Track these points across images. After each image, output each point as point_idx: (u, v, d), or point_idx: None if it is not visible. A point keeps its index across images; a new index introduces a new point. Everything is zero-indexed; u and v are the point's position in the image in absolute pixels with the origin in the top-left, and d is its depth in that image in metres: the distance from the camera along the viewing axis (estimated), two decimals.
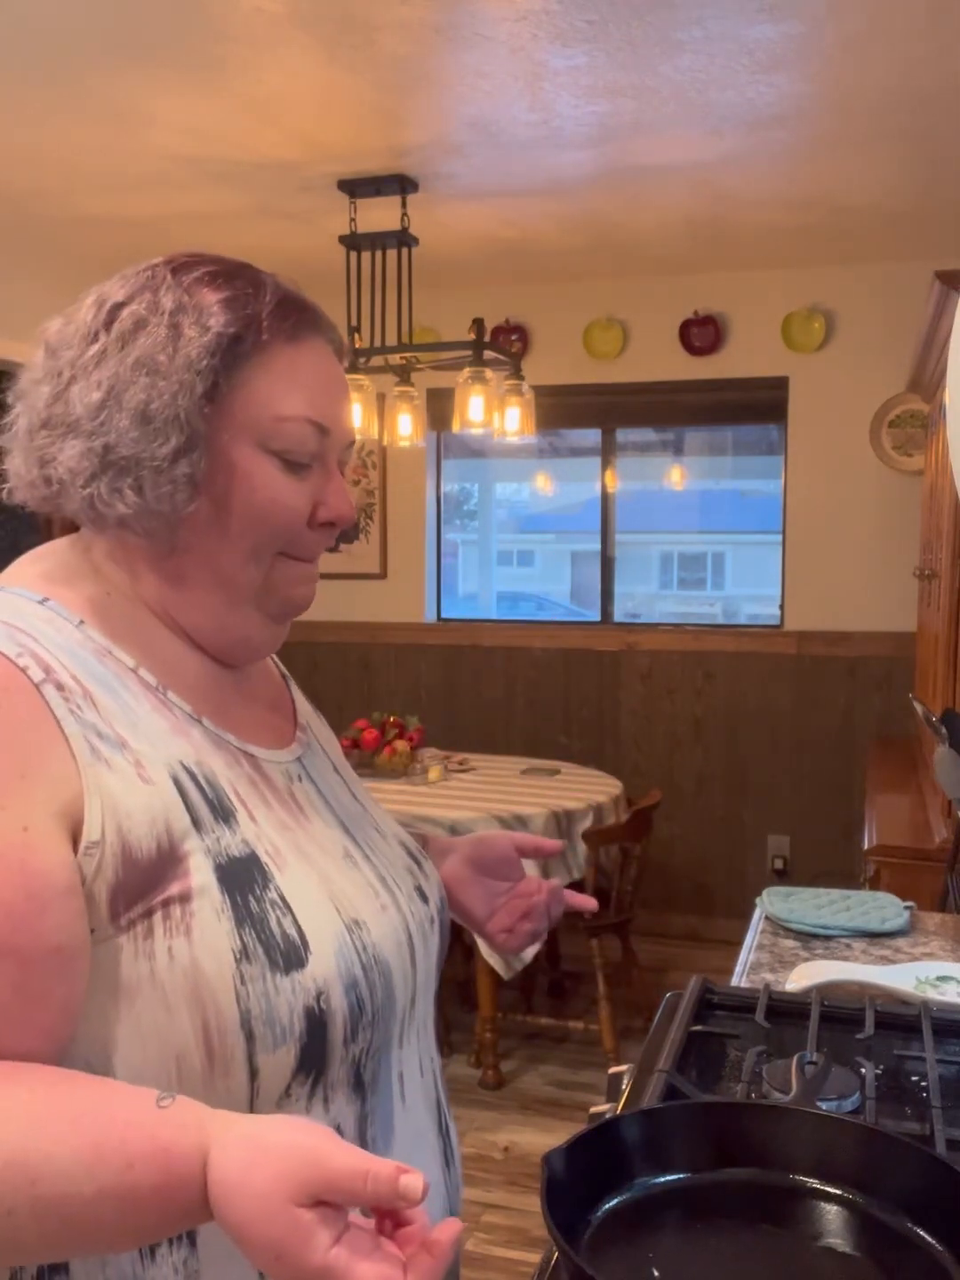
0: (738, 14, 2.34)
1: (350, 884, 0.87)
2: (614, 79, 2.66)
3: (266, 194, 3.51)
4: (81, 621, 0.83)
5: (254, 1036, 0.76)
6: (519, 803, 3.50)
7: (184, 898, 0.77)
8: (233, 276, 0.86)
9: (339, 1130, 0.82)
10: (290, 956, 0.78)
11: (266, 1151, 0.64)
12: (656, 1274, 0.76)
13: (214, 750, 0.85)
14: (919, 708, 2.26)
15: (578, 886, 3.50)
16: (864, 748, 4.27)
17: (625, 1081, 1.16)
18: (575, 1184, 0.80)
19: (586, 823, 3.49)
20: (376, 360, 3.53)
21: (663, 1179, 0.86)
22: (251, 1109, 0.78)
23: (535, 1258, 0.95)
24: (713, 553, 6.15)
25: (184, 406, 0.81)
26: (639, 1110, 0.95)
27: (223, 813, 0.81)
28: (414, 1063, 0.93)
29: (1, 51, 2.54)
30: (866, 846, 2.88)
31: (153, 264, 0.86)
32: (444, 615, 5.11)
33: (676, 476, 5.03)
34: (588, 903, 1.10)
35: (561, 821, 3.46)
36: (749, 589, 5.43)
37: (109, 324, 0.83)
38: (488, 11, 2.34)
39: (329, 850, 0.88)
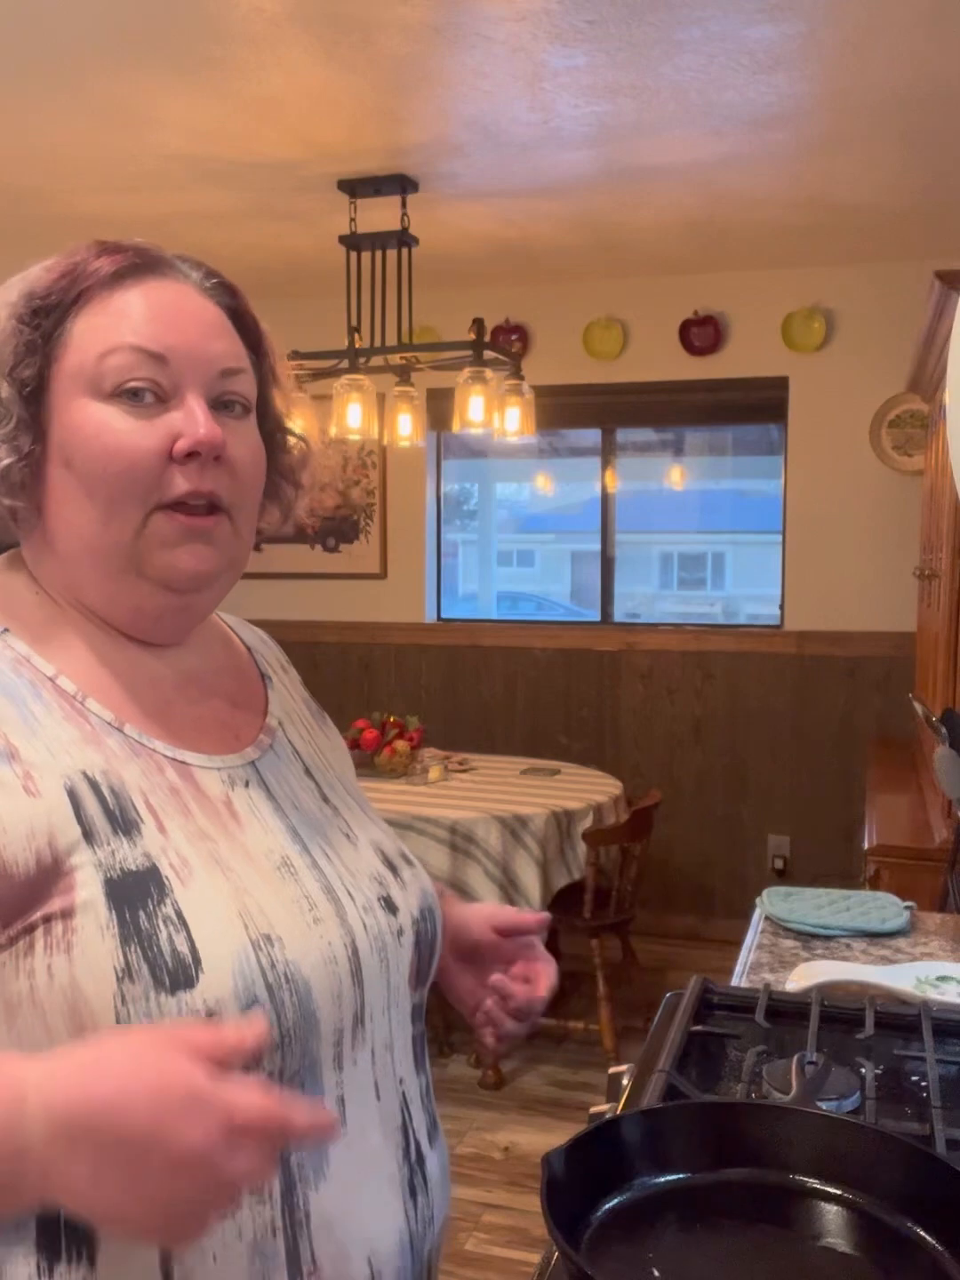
0: (738, 14, 2.34)
1: (274, 897, 0.82)
2: (614, 79, 2.66)
3: (266, 194, 3.51)
4: (5, 629, 0.83)
5: None
6: (519, 803, 3.50)
7: (66, 913, 0.74)
8: (67, 250, 0.86)
9: None
10: (177, 975, 0.74)
11: (131, 1033, 0.67)
12: (656, 1274, 0.76)
13: (130, 759, 0.82)
14: (919, 708, 2.26)
15: (578, 887, 3.50)
16: (864, 748, 4.27)
17: (625, 1081, 1.16)
18: (575, 1184, 0.80)
19: (586, 823, 3.49)
20: (376, 360, 3.53)
21: (663, 1179, 0.86)
22: None
23: (535, 1258, 0.94)
24: (713, 553, 6.14)
25: None
26: (639, 1110, 0.95)
27: (124, 824, 0.78)
28: (365, 1085, 0.86)
29: (1, 51, 2.54)
30: (866, 846, 2.88)
31: None
32: (444, 615, 5.11)
33: (676, 476, 5.03)
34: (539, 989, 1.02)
35: (561, 821, 3.46)
36: (749, 589, 5.42)
37: None
38: (488, 11, 2.34)
39: (258, 861, 0.83)
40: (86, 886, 0.75)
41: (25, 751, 0.77)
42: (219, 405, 0.84)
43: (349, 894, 0.87)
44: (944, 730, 1.85)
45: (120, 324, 0.82)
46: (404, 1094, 0.91)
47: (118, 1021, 0.73)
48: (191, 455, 0.81)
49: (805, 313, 4.33)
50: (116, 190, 3.48)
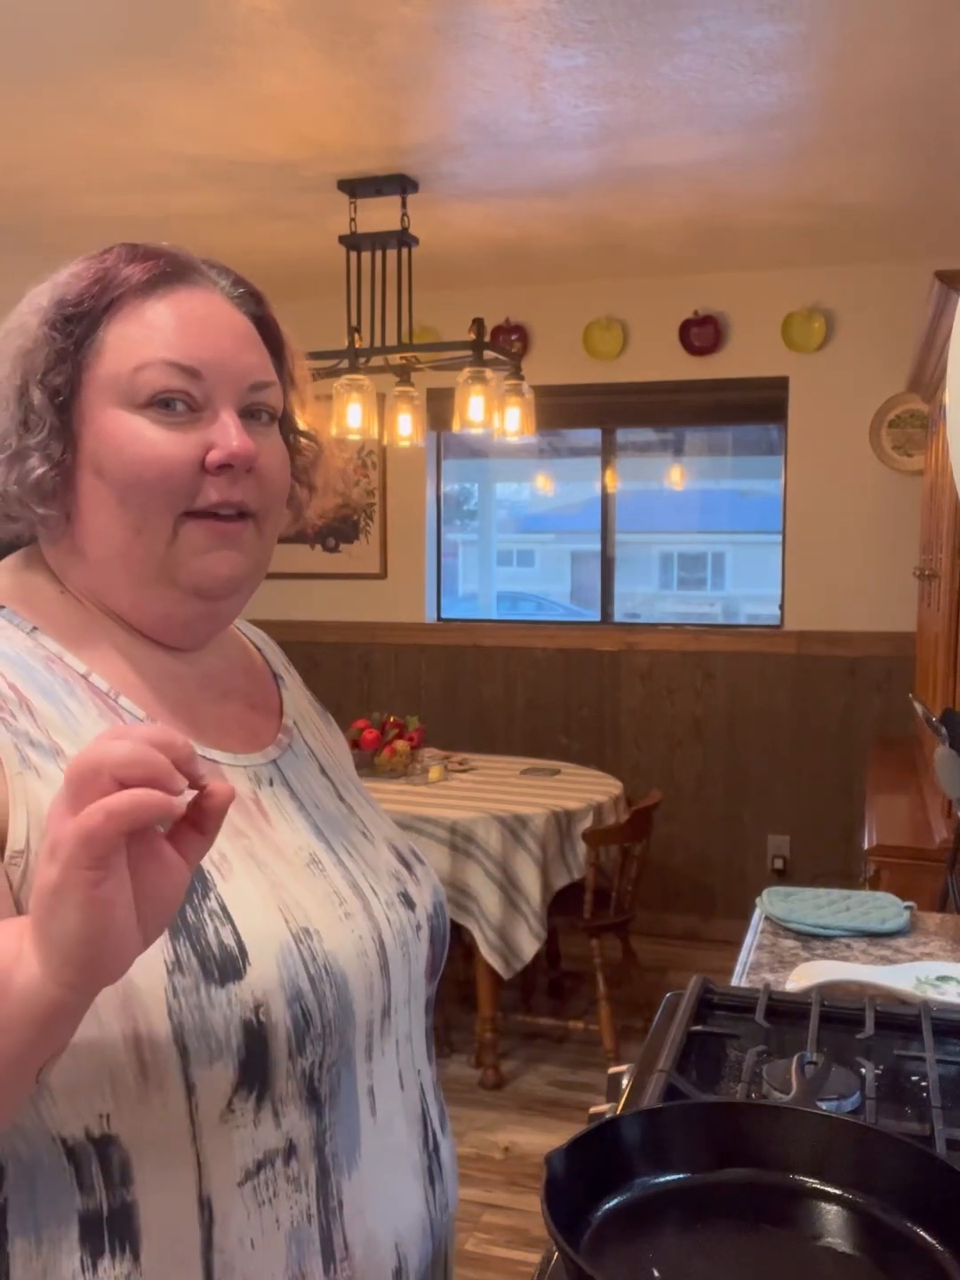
0: (738, 14, 2.34)
1: (308, 892, 0.84)
2: (614, 79, 2.66)
3: (266, 194, 3.51)
4: (35, 628, 0.84)
5: (188, 1051, 0.74)
6: (519, 803, 3.50)
7: None
8: (96, 255, 0.86)
9: (292, 1146, 0.80)
10: (226, 968, 0.76)
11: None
12: (656, 1274, 0.76)
13: None
14: (919, 708, 2.26)
15: (578, 887, 3.50)
16: (864, 748, 4.27)
17: (625, 1081, 1.16)
18: (575, 1184, 0.80)
19: (586, 823, 3.49)
20: (376, 360, 3.53)
21: (663, 1179, 0.85)
22: (194, 1126, 0.76)
23: (535, 1258, 0.95)
24: (713, 553, 6.15)
25: (22, 377, 0.81)
26: (639, 1110, 0.95)
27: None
28: (390, 1076, 0.89)
29: (1, 51, 2.54)
30: (866, 846, 2.88)
31: None
32: (444, 615, 5.11)
33: (676, 476, 5.03)
34: None
35: (561, 821, 3.46)
36: (749, 589, 5.42)
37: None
38: (488, 11, 2.33)
39: (289, 857, 0.85)
40: None
41: (68, 748, 0.78)
42: (247, 414, 0.85)
43: (372, 890, 0.89)
44: (944, 730, 1.85)
45: (154, 337, 0.82)
46: (422, 1084, 0.94)
47: (169, 1014, 0.74)
48: (224, 467, 0.82)
49: (805, 313, 4.33)
50: (116, 190, 3.48)
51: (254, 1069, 0.76)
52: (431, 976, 0.96)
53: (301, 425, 0.96)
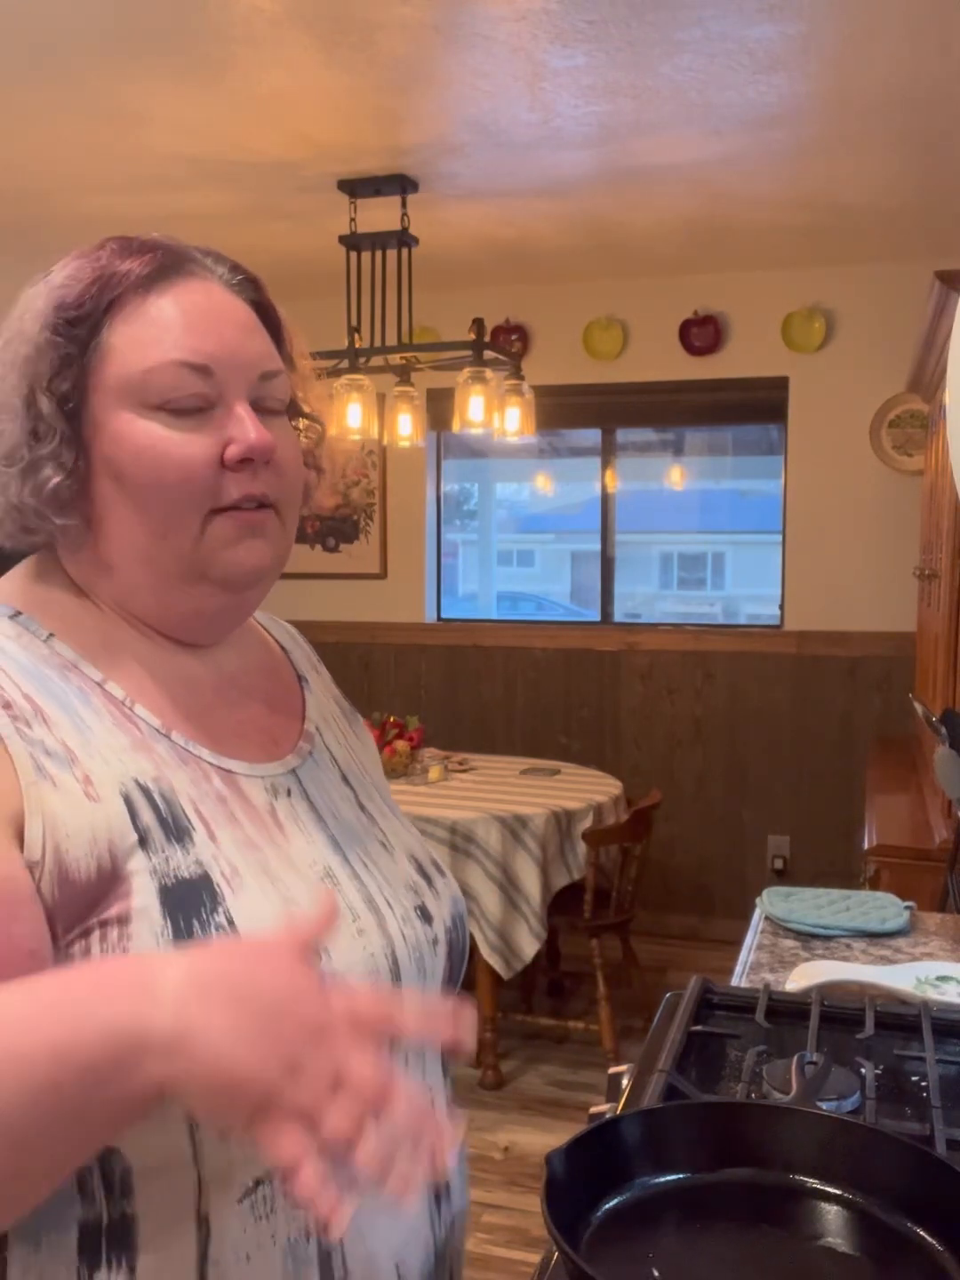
0: (738, 14, 2.34)
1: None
2: (614, 79, 2.66)
3: (266, 194, 3.51)
4: (51, 635, 0.83)
5: None
6: (519, 803, 3.50)
7: (122, 919, 0.74)
8: (89, 252, 0.84)
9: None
10: None
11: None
12: (656, 1274, 0.76)
13: (179, 766, 0.82)
14: (919, 708, 2.26)
15: (578, 887, 3.50)
16: (864, 748, 4.27)
17: (625, 1081, 1.16)
18: (575, 1184, 0.80)
19: (586, 823, 3.49)
20: (376, 360, 3.53)
21: (663, 1179, 0.86)
22: (194, 1145, 0.74)
23: (535, 1258, 0.95)
24: (713, 553, 6.15)
25: (28, 386, 0.80)
26: (639, 1110, 0.95)
27: (176, 832, 0.78)
28: None
29: (2, 51, 2.54)
30: (866, 846, 2.89)
31: None
32: (444, 615, 5.11)
33: (676, 476, 5.03)
34: None
35: (561, 821, 3.46)
36: (749, 589, 5.42)
37: None
38: (488, 11, 2.33)
39: (304, 870, 0.84)
40: (142, 893, 0.75)
41: (82, 758, 0.77)
42: (257, 404, 0.84)
43: (388, 904, 0.88)
44: (944, 730, 1.85)
45: (162, 337, 0.81)
46: (434, 1101, 0.91)
47: None
48: (244, 461, 0.82)
49: (805, 313, 4.33)
50: (116, 190, 3.48)
51: None
52: (452, 988, 0.94)
53: (305, 408, 0.94)
